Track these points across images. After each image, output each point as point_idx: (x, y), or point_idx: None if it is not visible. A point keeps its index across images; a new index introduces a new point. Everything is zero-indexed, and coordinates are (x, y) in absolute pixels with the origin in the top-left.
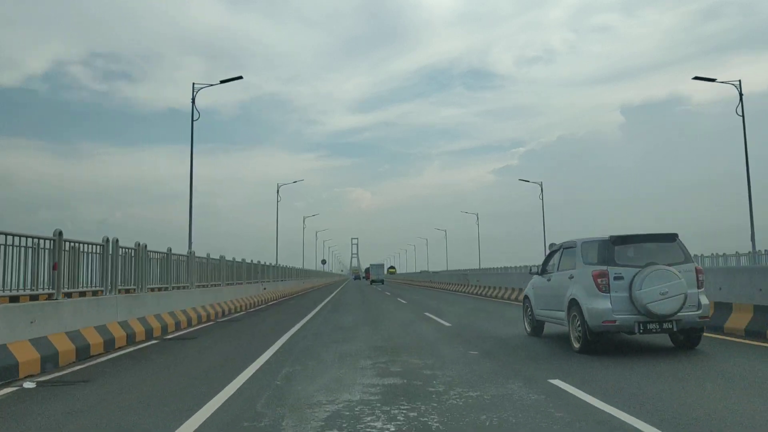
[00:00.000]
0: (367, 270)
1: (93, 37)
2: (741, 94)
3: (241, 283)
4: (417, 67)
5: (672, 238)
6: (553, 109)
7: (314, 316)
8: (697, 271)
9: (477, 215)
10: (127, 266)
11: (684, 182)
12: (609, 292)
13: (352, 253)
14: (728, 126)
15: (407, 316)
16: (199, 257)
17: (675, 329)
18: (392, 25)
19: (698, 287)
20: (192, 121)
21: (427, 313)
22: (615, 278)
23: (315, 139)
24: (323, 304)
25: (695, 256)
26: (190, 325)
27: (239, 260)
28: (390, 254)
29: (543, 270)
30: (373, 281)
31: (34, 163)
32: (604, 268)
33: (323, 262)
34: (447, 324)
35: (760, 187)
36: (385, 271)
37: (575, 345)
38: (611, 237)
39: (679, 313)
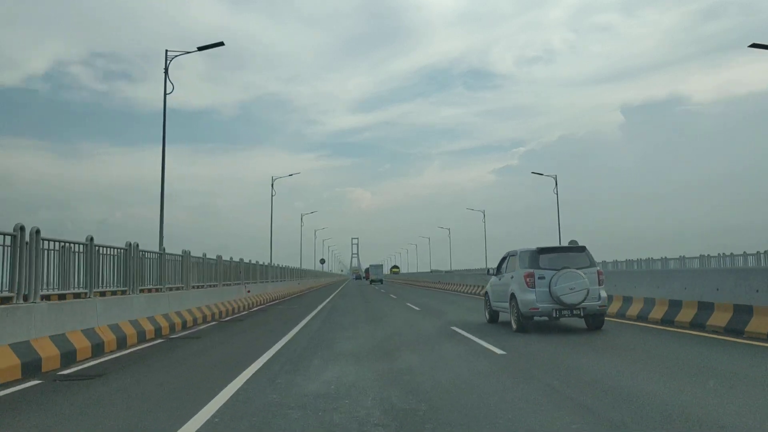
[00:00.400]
0: (366, 270)
1: (93, 37)
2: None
3: (215, 285)
4: (417, 67)
5: (582, 249)
6: (553, 109)
7: (301, 330)
8: (599, 273)
9: (483, 212)
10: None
11: (684, 182)
12: (534, 288)
13: (352, 253)
14: (728, 126)
15: (428, 328)
16: (149, 252)
17: (581, 315)
18: (393, 24)
19: (599, 284)
20: (165, 94)
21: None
22: (539, 278)
23: (315, 139)
24: (317, 310)
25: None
26: (99, 354)
27: (211, 258)
28: (390, 254)
29: (497, 272)
30: (372, 281)
31: (34, 163)
32: (532, 270)
33: (322, 261)
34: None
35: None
36: (388, 271)
37: (514, 326)
38: (537, 248)
39: (583, 303)
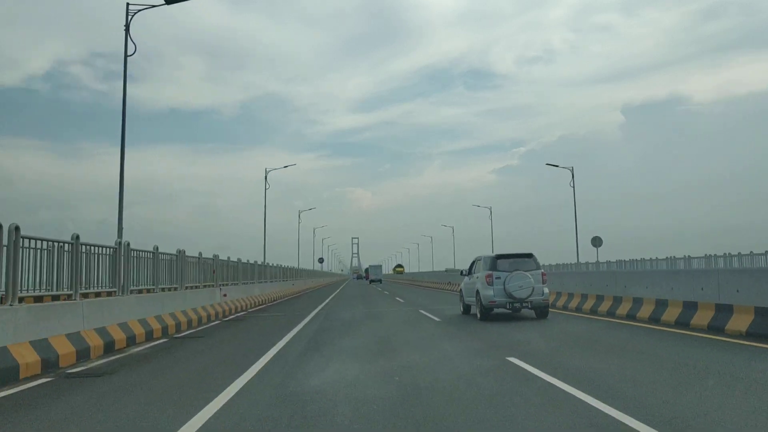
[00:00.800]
0: (366, 270)
1: (93, 37)
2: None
3: (175, 288)
4: (418, 66)
5: (529, 255)
6: (553, 108)
7: (271, 364)
8: (543, 274)
9: (490, 209)
10: None
11: (684, 182)
12: (493, 286)
13: (352, 253)
14: (728, 126)
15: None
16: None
17: (530, 307)
18: (393, 24)
19: (543, 283)
20: (125, 55)
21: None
22: (496, 278)
23: (315, 139)
24: (308, 319)
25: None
26: None
27: (167, 252)
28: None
29: (469, 273)
30: (372, 281)
31: (34, 163)
32: (491, 272)
33: (321, 260)
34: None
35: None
36: (391, 271)
37: (478, 315)
38: (496, 255)
39: (530, 298)
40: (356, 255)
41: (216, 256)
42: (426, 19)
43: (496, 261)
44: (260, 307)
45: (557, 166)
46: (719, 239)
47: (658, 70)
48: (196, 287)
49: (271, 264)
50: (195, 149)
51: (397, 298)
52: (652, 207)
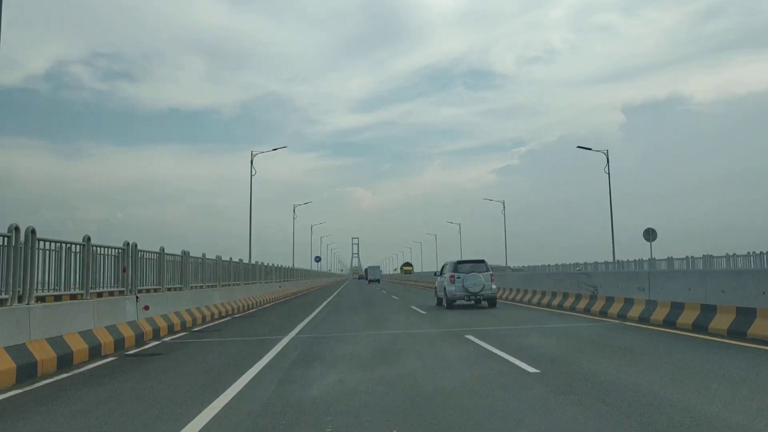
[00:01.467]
0: (366, 271)
1: (94, 37)
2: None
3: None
4: (418, 66)
5: (482, 261)
6: (553, 108)
7: None
8: (491, 275)
9: (503, 203)
10: None
11: (685, 181)
12: (454, 284)
13: (352, 253)
14: (729, 125)
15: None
16: None
17: (482, 299)
18: (393, 24)
19: (491, 281)
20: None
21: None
22: (457, 278)
23: (316, 138)
24: (270, 357)
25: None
26: None
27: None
28: (391, 254)
29: (440, 274)
30: (370, 281)
31: (35, 163)
32: (453, 273)
33: (317, 259)
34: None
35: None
36: (398, 270)
37: (445, 305)
38: (457, 261)
39: (481, 292)
40: (356, 255)
41: (162, 249)
42: (426, 19)
43: (457, 265)
44: (219, 321)
45: (590, 149)
46: (720, 239)
47: (659, 70)
48: (111, 294)
49: (254, 263)
50: (196, 149)
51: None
52: (654, 206)
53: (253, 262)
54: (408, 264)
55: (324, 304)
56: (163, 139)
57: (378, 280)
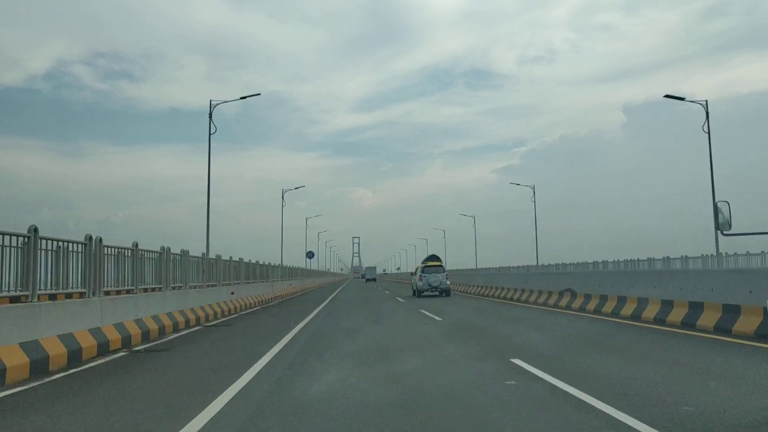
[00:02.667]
0: (366, 271)
1: (95, 37)
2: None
3: None
4: (419, 66)
5: (440, 265)
6: (555, 108)
7: None
8: (447, 274)
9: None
10: None
11: (686, 181)
12: (422, 280)
13: (353, 253)
14: (731, 125)
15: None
16: None
17: (438, 292)
18: (395, 24)
19: (446, 279)
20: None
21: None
22: (423, 276)
23: (317, 138)
24: None
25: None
26: None
27: None
28: (392, 253)
29: (414, 273)
30: (368, 279)
31: (36, 163)
32: (422, 273)
33: (310, 255)
34: None
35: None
36: (418, 267)
37: (416, 295)
38: (423, 265)
39: (440, 287)
40: (357, 254)
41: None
42: (427, 19)
43: (424, 267)
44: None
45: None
46: (722, 238)
47: (660, 70)
48: None
49: (243, 261)
50: (197, 149)
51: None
52: (655, 205)
53: (222, 258)
54: (434, 258)
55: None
56: (163, 138)
57: (374, 279)
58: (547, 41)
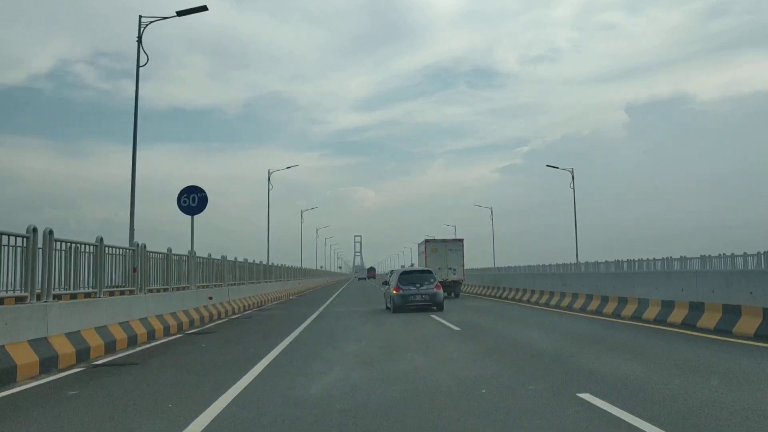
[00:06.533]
0: (368, 271)
1: (97, 36)
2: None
3: None
4: (421, 65)
5: (393, 271)
6: (557, 107)
7: None
8: (437, 286)
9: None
10: None
11: (688, 180)
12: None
13: (355, 251)
14: (733, 125)
15: None
16: None
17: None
18: (397, 23)
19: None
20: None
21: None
22: (400, 288)
23: (319, 138)
24: None
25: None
26: None
27: None
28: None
29: (385, 283)
30: (360, 279)
31: (38, 162)
32: (398, 284)
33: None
34: None
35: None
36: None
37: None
38: (402, 272)
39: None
40: (359, 253)
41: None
42: (429, 18)
43: (400, 276)
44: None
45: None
46: (724, 238)
47: (663, 69)
48: None
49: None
50: (199, 148)
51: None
52: (656, 205)
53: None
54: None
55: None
56: (166, 138)
57: (374, 278)
58: (549, 41)
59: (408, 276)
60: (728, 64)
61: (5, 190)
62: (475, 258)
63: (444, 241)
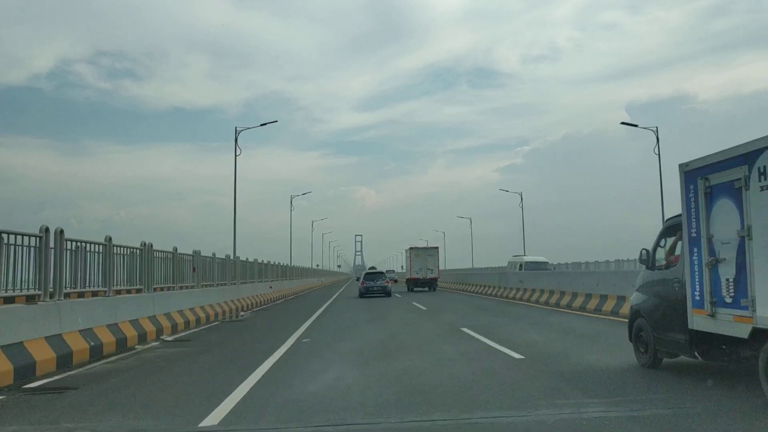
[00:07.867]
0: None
1: (98, 36)
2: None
3: None
4: (423, 65)
5: (381, 272)
6: (558, 107)
7: None
8: (387, 282)
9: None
10: None
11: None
12: (364, 284)
13: (356, 251)
14: (734, 124)
15: None
16: None
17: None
18: (398, 22)
19: (387, 284)
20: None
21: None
22: (364, 281)
23: (320, 137)
24: None
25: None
26: None
27: None
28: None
29: (357, 279)
30: (359, 278)
31: (38, 162)
32: (363, 280)
33: None
34: None
35: None
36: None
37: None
38: (366, 272)
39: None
40: (359, 253)
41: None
42: (430, 17)
43: (363, 274)
44: None
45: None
46: None
47: (664, 68)
48: None
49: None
50: (200, 148)
51: None
52: (656, 205)
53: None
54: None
55: None
56: (166, 137)
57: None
58: (550, 40)
59: (369, 275)
60: (730, 63)
61: (6, 190)
62: (472, 256)
63: (424, 248)
